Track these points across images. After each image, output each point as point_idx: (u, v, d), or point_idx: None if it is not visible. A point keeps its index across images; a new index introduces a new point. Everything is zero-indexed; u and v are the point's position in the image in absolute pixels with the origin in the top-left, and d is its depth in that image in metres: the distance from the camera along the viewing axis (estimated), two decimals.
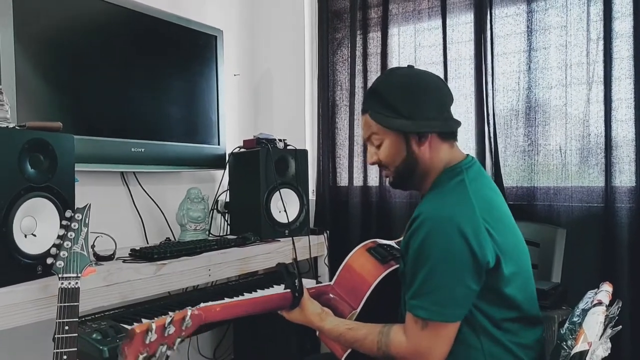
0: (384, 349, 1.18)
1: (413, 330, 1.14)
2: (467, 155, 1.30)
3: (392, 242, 1.55)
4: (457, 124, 1.27)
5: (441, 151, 1.26)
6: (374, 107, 1.26)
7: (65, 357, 1.15)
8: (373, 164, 1.32)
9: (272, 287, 1.91)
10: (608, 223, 1.81)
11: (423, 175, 1.28)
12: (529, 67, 2.00)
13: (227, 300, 1.72)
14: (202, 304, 1.12)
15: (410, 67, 1.30)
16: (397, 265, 1.38)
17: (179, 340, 1.03)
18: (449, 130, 1.25)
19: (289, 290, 1.28)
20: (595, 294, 1.19)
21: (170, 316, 1.01)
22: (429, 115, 1.22)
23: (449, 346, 1.14)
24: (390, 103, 1.23)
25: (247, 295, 1.80)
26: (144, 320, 1.47)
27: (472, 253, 1.10)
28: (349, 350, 1.30)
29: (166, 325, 0.99)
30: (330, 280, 1.49)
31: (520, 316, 1.20)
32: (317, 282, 2.14)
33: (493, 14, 2.06)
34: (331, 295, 1.42)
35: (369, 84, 2.36)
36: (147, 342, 0.96)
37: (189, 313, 1.05)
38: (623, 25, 1.82)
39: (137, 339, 0.95)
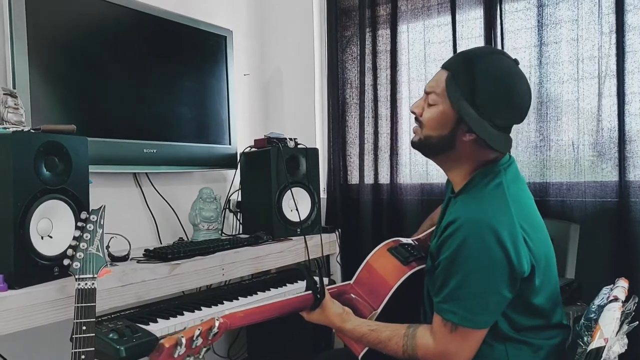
0: (409, 352, 1.16)
1: (441, 333, 1.13)
2: (506, 154, 1.25)
3: (411, 241, 1.54)
4: (506, 146, 1.18)
5: (483, 152, 1.20)
6: (458, 74, 1.17)
7: (83, 356, 1.16)
8: (413, 113, 1.26)
9: (285, 285, 1.92)
10: (622, 218, 1.79)
11: (453, 161, 1.23)
12: (540, 61, 1.98)
13: (241, 299, 1.73)
14: (226, 312, 1.12)
15: (516, 61, 1.20)
16: (419, 267, 1.37)
17: (204, 349, 1.03)
18: (494, 147, 1.16)
19: (310, 291, 1.28)
20: (611, 289, 1.19)
21: (199, 329, 0.99)
22: (494, 120, 1.15)
23: (475, 351, 1.13)
24: (472, 84, 1.15)
25: (260, 294, 1.81)
26: (160, 321, 1.49)
27: (509, 262, 1.07)
28: (366, 348, 1.29)
29: (194, 338, 0.98)
30: (343, 278, 1.49)
31: (544, 324, 1.19)
32: (330, 281, 2.14)
33: (503, 9, 2.04)
34: (352, 295, 1.42)
35: (379, 82, 2.37)
36: (176, 355, 0.95)
37: (216, 323, 1.03)
38: (635, 18, 1.80)
39: (165, 353, 0.93)
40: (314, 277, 1.28)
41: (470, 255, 1.08)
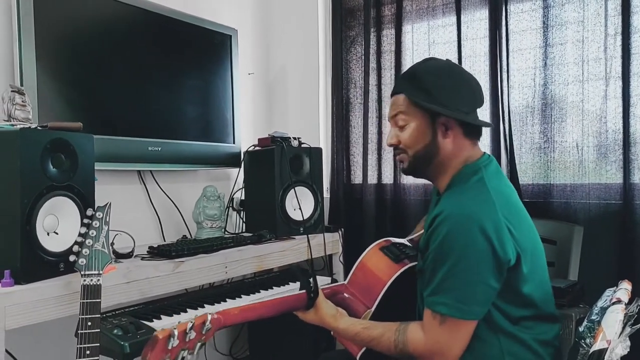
0: (401, 347, 1.18)
1: (431, 326, 1.14)
2: (484, 153, 1.30)
3: (404, 240, 1.55)
4: (486, 123, 1.27)
5: (463, 148, 1.26)
6: (409, 89, 1.25)
7: (88, 352, 1.17)
8: (391, 145, 1.31)
9: (288, 284, 1.93)
10: (626, 220, 1.79)
11: (440, 167, 1.27)
12: (545, 63, 1.98)
13: (243, 297, 1.74)
14: (220, 308, 1.13)
15: (447, 60, 1.32)
16: (411, 264, 1.38)
17: (199, 344, 1.04)
18: (478, 124, 1.27)
19: (304, 291, 1.29)
20: (614, 292, 1.19)
21: (191, 321, 1.01)
22: (461, 108, 1.23)
23: (466, 343, 1.14)
24: (425, 87, 1.23)
25: (263, 293, 1.81)
26: (163, 318, 1.50)
27: (493, 251, 1.10)
28: (364, 348, 1.30)
29: (187, 331, 1.00)
30: (345, 278, 1.50)
31: (536, 314, 1.20)
32: (332, 280, 2.15)
33: (508, 10, 2.04)
34: (345, 295, 1.43)
35: (383, 82, 2.37)
36: (170, 347, 0.97)
37: (209, 318, 1.05)
38: None
39: (159, 344, 0.95)
40: (308, 278, 1.29)
41: (455, 246, 1.11)
